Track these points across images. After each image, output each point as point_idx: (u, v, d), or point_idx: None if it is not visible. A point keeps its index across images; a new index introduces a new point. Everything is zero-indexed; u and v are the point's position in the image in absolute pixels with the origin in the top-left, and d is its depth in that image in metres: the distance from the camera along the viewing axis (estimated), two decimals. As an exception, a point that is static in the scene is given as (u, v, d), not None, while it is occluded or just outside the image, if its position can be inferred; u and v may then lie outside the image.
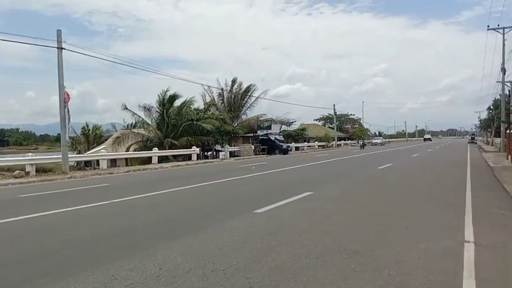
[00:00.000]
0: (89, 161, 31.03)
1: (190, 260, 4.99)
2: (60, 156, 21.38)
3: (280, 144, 42.77)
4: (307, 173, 18.02)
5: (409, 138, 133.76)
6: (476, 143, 68.44)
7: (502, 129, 35.84)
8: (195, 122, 32.95)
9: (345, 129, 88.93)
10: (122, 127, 39.54)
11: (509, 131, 25.39)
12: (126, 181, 16.62)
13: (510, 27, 34.60)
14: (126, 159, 31.74)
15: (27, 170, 19.72)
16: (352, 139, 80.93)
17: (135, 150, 32.01)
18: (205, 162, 29.21)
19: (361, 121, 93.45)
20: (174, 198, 10.85)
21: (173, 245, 5.69)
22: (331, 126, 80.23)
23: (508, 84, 39.15)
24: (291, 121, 56.75)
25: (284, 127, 55.36)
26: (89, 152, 42.42)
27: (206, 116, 35.85)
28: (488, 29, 35.53)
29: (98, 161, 26.82)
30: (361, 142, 63.83)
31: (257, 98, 45.54)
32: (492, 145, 52.12)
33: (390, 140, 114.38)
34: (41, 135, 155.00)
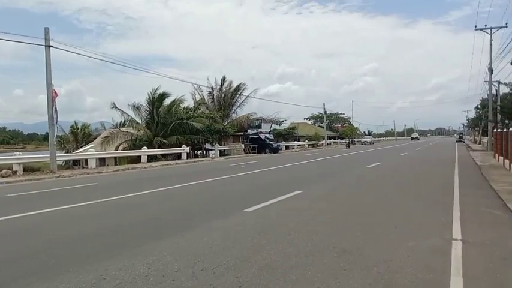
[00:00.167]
0: (77, 160, 30.71)
1: (179, 259, 4.96)
2: (48, 155, 21.14)
3: (271, 143, 42.80)
4: (297, 172, 18.05)
5: (398, 137, 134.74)
6: (464, 142, 69.25)
7: (489, 128, 36.29)
8: (185, 121, 32.83)
9: (335, 128, 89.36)
10: (111, 126, 39.23)
11: (497, 130, 25.70)
12: (115, 180, 16.49)
13: (497, 27, 35.00)
14: (115, 158, 31.48)
15: (14, 169, 19.46)
16: (342, 138, 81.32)
17: (124, 149, 31.77)
18: (195, 161, 29.11)
19: (350, 120, 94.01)
20: (163, 198, 10.78)
21: (162, 244, 5.65)
22: (321, 125, 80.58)
23: (495, 84, 39.67)
24: (281, 120, 56.83)
25: (274, 126, 55.40)
26: (78, 151, 42.03)
27: (196, 114, 35.73)
28: (476, 29, 35.92)
29: (86, 160, 26.59)
30: (346, 141, 62.08)
31: (247, 96, 45.60)
32: (480, 144, 52.74)
33: (379, 139, 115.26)
34: (28, 134, 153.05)
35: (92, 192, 12.26)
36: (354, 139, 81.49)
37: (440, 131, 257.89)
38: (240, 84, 45.08)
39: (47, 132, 21.35)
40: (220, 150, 36.14)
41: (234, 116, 45.43)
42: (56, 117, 21.03)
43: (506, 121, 28.98)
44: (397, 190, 11.36)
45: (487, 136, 38.20)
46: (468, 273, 4.39)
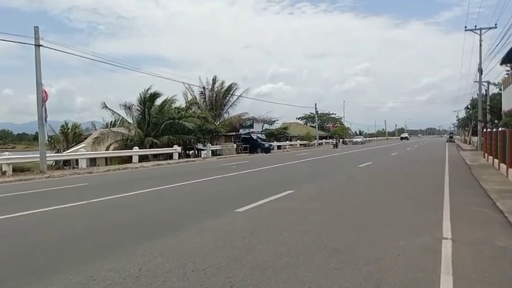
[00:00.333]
0: (67, 160, 30.45)
1: (170, 259, 4.94)
2: (38, 155, 20.95)
3: (263, 143, 42.80)
4: (288, 172, 18.08)
5: (389, 137, 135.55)
6: (454, 142, 69.83)
7: (479, 128, 36.61)
8: (176, 121, 32.71)
9: (327, 128, 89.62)
10: (101, 126, 39.01)
11: (486, 130, 25.96)
12: (106, 180, 16.39)
13: (486, 28, 35.34)
14: (106, 158, 31.28)
15: (3, 170, 19.28)
16: (333, 138, 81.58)
17: (115, 149, 31.58)
18: (186, 161, 29.02)
19: (342, 120, 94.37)
20: (154, 198, 10.73)
21: (153, 245, 5.62)
22: (313, 125, 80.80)
23: (485, 84, 40.05)
24: (273, 120, 56.97)
25: (266, 126, 55.46)
26: (68, 151, 41.66)
27: (188, 114, 35.62)
28: (465, 30, 36.20)
29: (77, 160, 26.38)
30: (334, 141, 58.87)
31: (239, 96, 45.62)
32: (470, 144, 53.22)
33: (371, 138, 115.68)
34: (18, 134, 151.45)
35: (83, 192, 12.16)
36: (345, 139, 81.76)
37: (431, 131, 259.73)
38: (231, 84, 45.12)
39: (37, 132, 21.16)
40: (212, 150, 36.09)
41: (226, 115, 45.44)
42: (46, 117, 20.84)
43: (496, 121, 29.29)
44: (388, 190, 11.42)
45: (477, 136, 38.55)
46: (458, 271, 4.43)
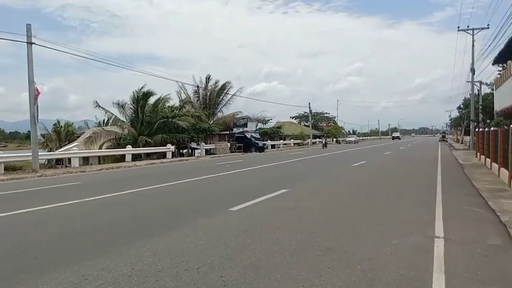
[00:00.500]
0: (60, 158, 30.33)
1: (163, 258, 4.92)
2: (30, 154, 20.79)
3: (256, 142, 42.79)
4: (283, 171, 18.09)
5: (382, 137, 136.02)
6: (447, 141, 70.21)
7: (471, 127, 36.87)
8: (170, 120, 32.61)
9: (320, 127, 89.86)
10: (94, 124, 38.79)
11: (478, 129, 26.14)
12: (99, 179, 16.31)
13: (479, 28, 35.57)
14: (99, 157, 31.13)
15: (-5, 168, 19.09)
16: (327, 137, 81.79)
17: (108, 148, 31.43)
18: (180, 160, 28.95)
19: (335, 119, 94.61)
20: (148, 197, 10.69)
21: (146, 244, 5.60)
22: (306, 124, 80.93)
23: (477, 84, 40.32)
24: (267, 119, 56.92)
25: (260, 125, 55.47)
26: (61, 149, 41.43)
27: (182, 113, 35.51)
28: (458, 30, 36.42)
29: (69, 158, 26.25)
30: (323, 140, 56.83)
31: (233, 95, 45.56)
32: (462, 143, 53.57)
33: (364, 138, 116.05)
34: (10, 132, 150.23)
35: (76, 191, 12.09)
36: (339, 138, 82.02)
37: (423, 131, 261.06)
38: (225, 83, 45.06)
39: (29, 131, 20.98)
40: (205, 149, 36.01)
41: (219, 114, 45.36)
42: (38, 116, 20.68)
43: (488, 121, 29.48)
44: (381, 188, 11.46)
45: (469, 135, 38.81)
46: (450, 270, 4.45)
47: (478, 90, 40.93)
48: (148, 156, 30.19)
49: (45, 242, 6.01)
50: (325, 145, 52.54)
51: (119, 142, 31.16)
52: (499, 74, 28.60)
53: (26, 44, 19.69)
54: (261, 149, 41.52)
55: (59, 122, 52.60)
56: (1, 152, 21.90)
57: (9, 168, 21.30)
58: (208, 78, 44.34)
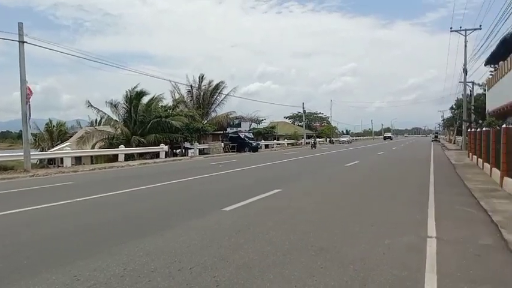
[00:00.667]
0: (52, 158, 30.11)
1: (156, 259, 4.90)
2: (22, 153, 20.62)
3: (250, 142, 42.80)
4: (276, 171, 18.09)
5: (375, 137, 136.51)
6: (439, 141, 70.64)
7: (463, 128, 37.17)
8: (163, 119, 32.50)
9: (314, 127, 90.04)
10: (87, 124, 38.56)
11: (471, 129, 26.32)
12: (91, 179, 16.22)
13: (471, 29, 35.84)
14: (91, 157, 30.97)
15: (-14, 168, 18.92)
16: (320, 137, 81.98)
17: (100, 148, 31.27)
18: (173, 160, 28.86)
19: (329, 119, 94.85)
20: (140, 197, 10.64)
21: (139, 244, 5.57)
22: (300, 124, 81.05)
23: (470, 84, 40.64)
24: (261, 119, 56.95)
25: (254, 125, 55.47)
26: (53, 149, 41.16)
27: (175, 113, 35.41)
28: (451, 31, 36.69)
29: (62, 158, 26.10)
30: (311, 141, 52.98)
31: (227, 95, 45.52)
32: (454, 143, 53.92)
33: (357, 138, 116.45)
34: (2, 132, 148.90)
35: (68, 191, 12.01)
36: (332, 138, 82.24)
37: (416, 131, 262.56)
38: (219, 82, 45.01)
39: (21, 130, 20.81)
40: (199, 149, 35.95)
41: (213, 114, 45.31)
42: (30, 115, 20.53)
43: (480, 121, 29.72)
44: (374, 188, 11.50)
45: (462, 136, 39.09)
46: (442, 270, 4.47)
47: (470, 91, 41.26)
48: (142, 156, 30.08)
49: (37, 242, 5.96)
50: (313, 146, 49.58)
51: (112, 142, 31.02)
52: (491, 74, 28.86)
53: (18, 42, 19.54)
54: (255, 149, 41.53)
55: (51, 121, 52.26)
56: (-8, 151, 21.69)
57: (1, 168, 21.11)
58: (201, 78, 44.33)
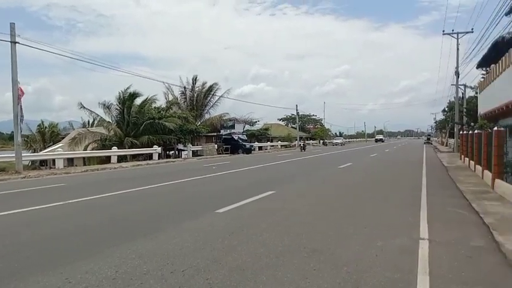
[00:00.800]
0: (44, 160, 29.87)
1: (148, 261, 4.88)
2: (14, 155, 20.45)
3: (244, 143, 42.77)
4: (270, 173, 18.09)
5: (368, 139, 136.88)
6: (431, 144, 71.03)
7: (456, 130, 37.39)
8: (156, 121, 32.41)
9: (307, 129, 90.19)
10: (80, 125, 38.36)
11: (463, 132, 26.51)
12: (83, 181, 16.11)
13: (463, 32, 36.10)
14: (83, 158, 30.79)
15: (-24, 170, 18.73)
16: (314, 139, 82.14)
17: (93, 149, 31.09)
18: (167, 162, 28.77)
19: (322, 121, 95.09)
20: (133, 199, 10.59)
21: (131, 246, 5.54)
22: (294, 126, 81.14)
23: (462, 87, 40.96)
24: (255, 121, 57.04)
25: (247, 127, 55.52)
26: (45, 150, 40.86)
27: (168, 114, 35.32)
28: (443, 34, 36.91)
29: (54, 160, 25.88)
30: (301, 143, 51.43)
31: (220, 97, 45.50)
32: (447, 145, 54.28)
33: (350, 140, 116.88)
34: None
35: (60, 193, 11.93)
36: (325, 140, 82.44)
37: (409, 133, 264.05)
38: (213, 84, 45.00)
39: (13, 131, 20.64)
40: (192, 151, 35.87)
41: (207, 116, 45.27)
42: (22, 116, 20.37)
43: (472, 123, 29.95)
44: (367, 190, 11.53)
45: (454, 138, 39.34)
46: (434, 271, 4.50)
47: (462, 94, 41.64)
48: (135, 157, 29.94)
49: (28, 244, 5.90)
50: (303, 148, 47.60)
51: (105, 143, 30.89)
52: (482, 77, 29.05)
53: (9, 43, 19.40)
54: (248, 151, 41.53)
55: (43, 122, 51.97)
56: (-17, 152, 21.48)
57: (-8, 169, 20.91)
58: (195, 80, 44.32)
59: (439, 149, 46.07)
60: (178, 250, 5.35)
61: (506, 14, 16.91)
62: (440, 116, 79.38)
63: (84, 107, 32.87)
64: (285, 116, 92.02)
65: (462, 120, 36.04)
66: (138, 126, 32.10)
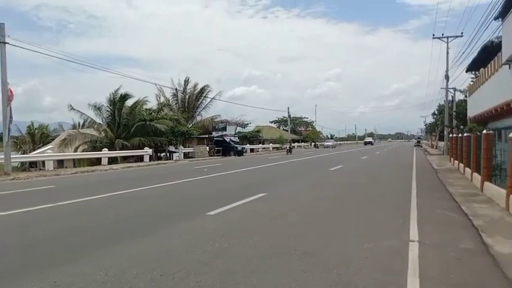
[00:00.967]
0: (34, 161, 29.63)
1: (138, 264, 4.84)
2: (3, 156, 20.23)
3: (235, 145, 42.74)
4: (261, 175, 18.09)
5: (359, 141, 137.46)
6: (421, 147, 71.49)
7: (445, 133, 37.69)
8: (148, 123, 32.25)
9: (299, 131, 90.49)
10: (70, 127, 38.07)
11: (452, 135, 26.74)
12: (73, 183, 15.98)
13: (453, 36, 36.49)
14: (74, 160, 30.55)
15: (-36, 171, 18.49)
16: (305, 141, 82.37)
17: (83, 151, 30.87)
18: (158, 164, 28.63)
19: (314, 124, 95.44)
20: (123, 201, 10.52)
21: (121, 249, 5.50)
22: (285, 128, 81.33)
23: (451, 90, 41.31)
24: (246, 123, 57.05)
25: (239, 129, 55.49)
26: (35, 152, 40.47)
27: (160, 116, 35.19)
28: (433, 38, 37.24)
29: (43, 162, 25.65)
30: (287, 146, 48.76)
31: (212, 99, 45.52)
32: (436, 148, 54.70)
33: (341, 142, 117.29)
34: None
35: (49, 195, 11.82)
36: (317, 143, 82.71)
37: (399, 136, 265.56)
38: (204, 86, 44.99)
39: (2, 133, 20.42)
40: (184, 153, 35.76)
41: (198, 118, 45.22)
42: (11, 117, 20.17)
43: (461, 126, 30.20)
44: (357, 193, 11.57)
45: (444, 141, 39.67)
46: (424, 273, 4.52)
47: (452, 97, 41.96)
48: (125, 159, 29.78)
49: (15, 247, 5.83)
50: (289, 151, 45.57)
51: (95, 145, 30.68)
52: (472, 81, 29.37)
53: (-1, 43, 19.20)
54: (240, 153, 41.52)
55: (33, 123, 51.50)
56: (-29, 154, 21.21)
57: (-20, 171, 20.64)
58: (186, 81, 44.29)
59: (429, 151, 46.42)
60: (168, 253, 5.32)
61: (495, 19, 17.10)
62: (430, 119, 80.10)
63: (74, 109, 32.71)
64: (277, 119, 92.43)
65: (452, 123, 36.35)
66: (129, 127, 31.93)
